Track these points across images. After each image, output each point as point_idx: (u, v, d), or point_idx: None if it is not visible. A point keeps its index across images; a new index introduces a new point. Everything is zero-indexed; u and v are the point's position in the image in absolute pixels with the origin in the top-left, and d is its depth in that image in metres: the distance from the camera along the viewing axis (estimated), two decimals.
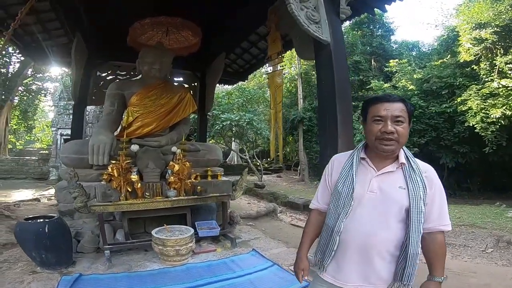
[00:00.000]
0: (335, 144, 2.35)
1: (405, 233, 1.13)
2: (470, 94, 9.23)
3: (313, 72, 16.73)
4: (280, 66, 3.79)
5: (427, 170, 1.19)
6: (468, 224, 5.18)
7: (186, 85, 6.05)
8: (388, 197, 1.15)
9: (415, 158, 1.22)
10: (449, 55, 11.32)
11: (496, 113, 8.49)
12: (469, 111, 9.12)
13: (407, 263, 1.10)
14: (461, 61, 10.19)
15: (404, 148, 1.22)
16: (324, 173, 1.37)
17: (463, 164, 10.28)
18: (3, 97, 13.69)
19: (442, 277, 1.17)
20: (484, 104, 8.84)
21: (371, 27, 16.73)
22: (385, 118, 1.15)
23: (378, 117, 1.17)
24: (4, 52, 12.82)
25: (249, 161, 12.63)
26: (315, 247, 1.34)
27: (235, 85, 11.03)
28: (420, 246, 1.12)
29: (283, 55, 3.84)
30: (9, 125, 15.42)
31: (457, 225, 5.13)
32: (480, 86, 9.32)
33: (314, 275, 1.34)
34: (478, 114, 8.83)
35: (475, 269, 3.19)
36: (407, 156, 1.21)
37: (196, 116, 6.95)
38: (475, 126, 8.88)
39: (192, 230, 3.10)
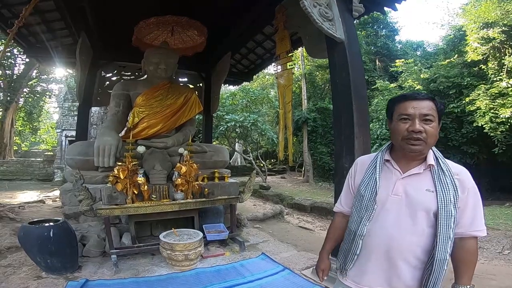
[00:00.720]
0: (352, 145, 2.25)
1: (433, 238, 1.05)
2: (479, 94, 9.09)
3: (317, 73, 16.67)
4: (289, 65, 3.70)
5: (460, 172, 1.11)
6: None
7: (191, 86, 5.99)
8: (413, 200, 1.08)
9: (446, 160, 1.14)
10: (456, 55, 11.18)
11: (505, 113, 8.36)
12: (478, 111, 8.98)
13: (433, 270, 1.03)
14: (469, 60, 10.06)
15: (434, 148, 1.14)
16: (348, 176, 1.32)
17: (471, 165, 10.13)
18: (8, 98, 13.76)
19: (468, 286, 1.08)
20: (493, 104, 8.70)
21: (375, 27, 16.66)
22: (412, 117, 1.08)
23: (405, 116, 1.10)
24: (9, 54, 12.90)
25: (253, 162, 12.55)
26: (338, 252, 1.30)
27: (239, 85, 10.96)
28: (449, 252, 1.04)
29: (291, 54, 3.75)
30: (14, 126, 15.49)
31: None
32: (489, 86, 9.18)
33: (336, 281, 1.29)
34: (487, 114, 8.69)
35: (493, 271, 3.10)
36: (436, 157, 1.12)
37: (201, 117, 6.88)
38: (484, 126, 8.74)
39: (201, 234, 3.01)
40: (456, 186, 1.05)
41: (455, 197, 1.04)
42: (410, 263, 1.07)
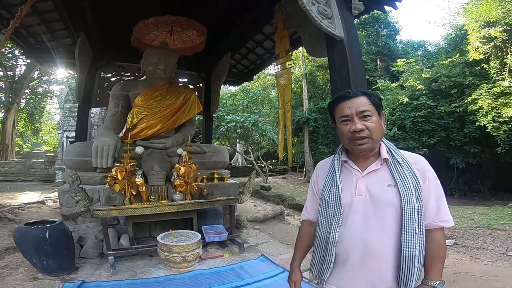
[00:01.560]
0: None
1: None
2: (481, 93, 9.04)
3: (318, 73, 16.63)
4: (288, 65, 3.67)
5: (417, 161, 1.08)
6: (484, 226, 5.01)
7: (191, 86, 5.97)
8: (378, 198, 1.05)
9: (399, 150, 1.12)
10: (457, 54, 11.12)
11: (508, 112, 8.30)
12: (480, 110, 8.93)
13: (401, 267, 0.99)
14: (470, 60, 10.02)
15: (385, 141, 1.13)
16: (311, 182, 1.30)
17: (473, 165, 10.06)
18: (10, 99, 13.79)
19: (438, 282, 1.03)
20: (496, 103, 8.65)
21: (375, 27, 16.61)
22: (351, 117, 1.09)
23: (344, 117, 1.11)
24: (10, 55, 12.93)
25: (254, 162, 12.51)
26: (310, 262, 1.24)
27: (240, 86, 10.94)
28: (418, 248, 0.99)
29: (291, 53, 3.72)
30: (16, 127, 15.52)
31: (472, 227, 4.97)
32: (491, 85, 9.13)
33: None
34: (490, 114, 8.64)
35: (497, 273, 3.04)
36: (389, 149, 1.11)
37: (202, 118, 6.86)
38: (487, 125, 8.68)
39: (199, 236, 2.98)
40: (416, 176, 1.03)
41: (416, 188, 1.01)
42: (387, 262, 1.03)
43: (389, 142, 1.14)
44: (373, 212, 1.05)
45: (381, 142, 1.12)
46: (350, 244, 1.07)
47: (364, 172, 1.10)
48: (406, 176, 1.03)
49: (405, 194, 1.00)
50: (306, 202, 1.33)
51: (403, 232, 0.99)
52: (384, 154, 1.09)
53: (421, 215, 1.00)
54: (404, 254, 0.98)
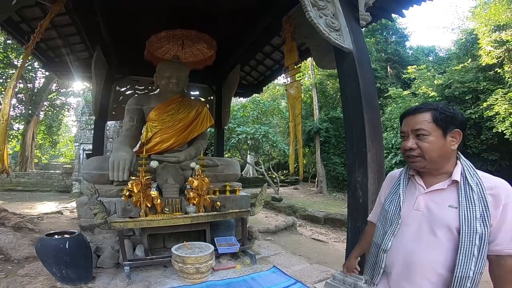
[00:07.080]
0: (364, 158, 2.20)
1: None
2: (497, 99, 8.82)
3: (328, 82, 16.63)
4: (298, 77, 3.72)
5: (495, 186, 1.01)
6: None
7: (202, 99, 6.09)
8: (435, 217, 1.05)
9: (478, 172, 1.06)
10: (469, 59, 10.94)
11: None
12: (497, 116, 8.69)
13: (452, 286, 0.98)
14: (483, 64, 9.84)
15: (463, 160, 1.09)
16: (381, 188, 1.36)
17: (492, 172, 9.71)
18: (29, 111, 14.30)
19: None
20: None
21: (384, 34, 16.58)
22: (407, 134, 1.11)
23: (402, 133, 1.14)
24: (30, 67, 13.49)
25: (265, 173, 12.50)
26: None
27: (250, 97, 11.07)
28: (474, 270, 0.96)
29: (300, 65, 3.77)
30: (35, 140, 16.06)
31: None
32: (507, 90, 8.91)
33: None
34: (507, 119, 8.39)
35: None
36: (464, 171, 1.06)
37: (213, 130, 6.95)
38: (505, 131, 8.43)
39: (212, 248, 3.01)
40: (486, 202, 0.99)
41: (483, 214, 0.97)
42: (431, 280, 1.03)
43: (467, 162, 1.09)
44: (426, 229, 1.05)
45: (459, 162, 1.08)
46: (397, 255, 1.10)
47: (427, 189, 1.10)
48: (473, 200, 0.99)
49: (466, 217, 0.98)
50: (374, 204, 1.41)
51: (459, 253, 0.97)
52: (456, 176, 1.05)
53: (484, 240, 0.97)
54: (457, 274, 0.97)
